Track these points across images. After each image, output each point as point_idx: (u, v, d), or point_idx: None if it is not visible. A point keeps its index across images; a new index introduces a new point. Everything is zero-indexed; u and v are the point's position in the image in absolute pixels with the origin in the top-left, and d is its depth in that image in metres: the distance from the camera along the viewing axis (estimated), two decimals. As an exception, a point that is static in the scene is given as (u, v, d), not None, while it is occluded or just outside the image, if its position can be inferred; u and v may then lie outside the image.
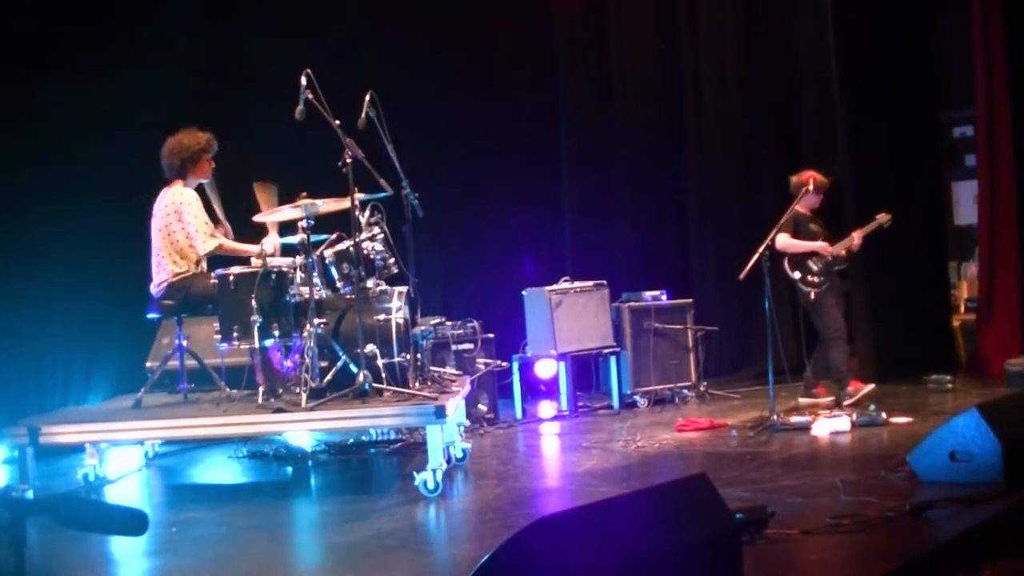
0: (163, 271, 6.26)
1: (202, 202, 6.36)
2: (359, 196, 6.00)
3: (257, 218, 6.23)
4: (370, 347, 5.90)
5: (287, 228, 6.30)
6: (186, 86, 8.07)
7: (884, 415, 6.78)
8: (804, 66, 10.03)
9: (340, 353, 5.97)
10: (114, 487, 6.25)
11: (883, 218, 7.65)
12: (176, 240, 6.24)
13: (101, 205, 7.46)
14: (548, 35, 10.05)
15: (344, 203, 5.96)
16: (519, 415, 8.11)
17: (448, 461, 5.86)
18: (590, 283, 8.33)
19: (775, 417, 6.83)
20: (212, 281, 6.06)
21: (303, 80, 5.81)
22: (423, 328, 6.72)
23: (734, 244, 8.74)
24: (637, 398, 8.32)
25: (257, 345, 5.92)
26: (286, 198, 6.16)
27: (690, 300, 8.71)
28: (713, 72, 9.89)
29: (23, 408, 6.52)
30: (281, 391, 6.03)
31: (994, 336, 8.91)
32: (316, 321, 5.82)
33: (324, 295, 6.10)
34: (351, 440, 7.16)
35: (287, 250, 6.38)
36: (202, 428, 5.78)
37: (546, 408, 8.27)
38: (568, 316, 8.15)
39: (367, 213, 6.13)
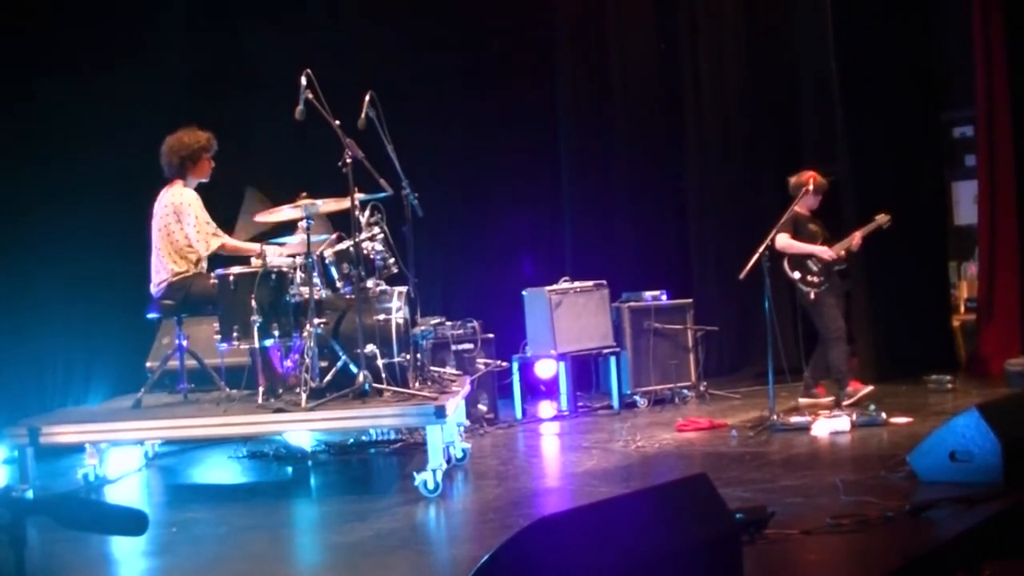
0: (163, 271, 6.26)
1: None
2: (359, 196, 6.00)
3: (258, 218, 6.22)
4: (370, 347, 5.90)
5: (287, 228, 6.30)
6: (186, 86, 8.08)
7: (884, 415, 6.78)
8: (804, 66, 10.04)
9: (340, 353, 5.97)
10: (114, 487, 6.25)
11: (882, 218, 7.65)
12: (176, 240, 6.24)
13: (101, 205, 7.46)
14: (548, 35, 10.04)
15: (344, 203, 5.96)
16: (519, 415, 8.10)
17: (448, 461, 5.86)
18: (590, 283, 8.33)
19: (775, 417, 6.83)
20: (212, 281, 6.06)
21: (303, 80, 5.81)
22: (423, 328, 6.72)
23: (734, 244, 8.75)
24: (637, 398, 8.32)
25: (257, 345, 5.91)
26: (286, 198, 6.15)
27: (690, 300, 8.71)
28: (713, 72, 9.89)
29: (23, 408, 6.52)
30: (281, 391, 6.03)
31: (994, 336, 8.91)
32: (316, 321, 5.82)
33: (324, 295, 6.10)
34: (351, 440, 7.16)
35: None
36: (202, 428, 5.78)
37: (546, 408, 8.27)
38: (568, 316, 8.14)
39: (367, 213, 6.13)
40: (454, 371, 7.13)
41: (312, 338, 5.78)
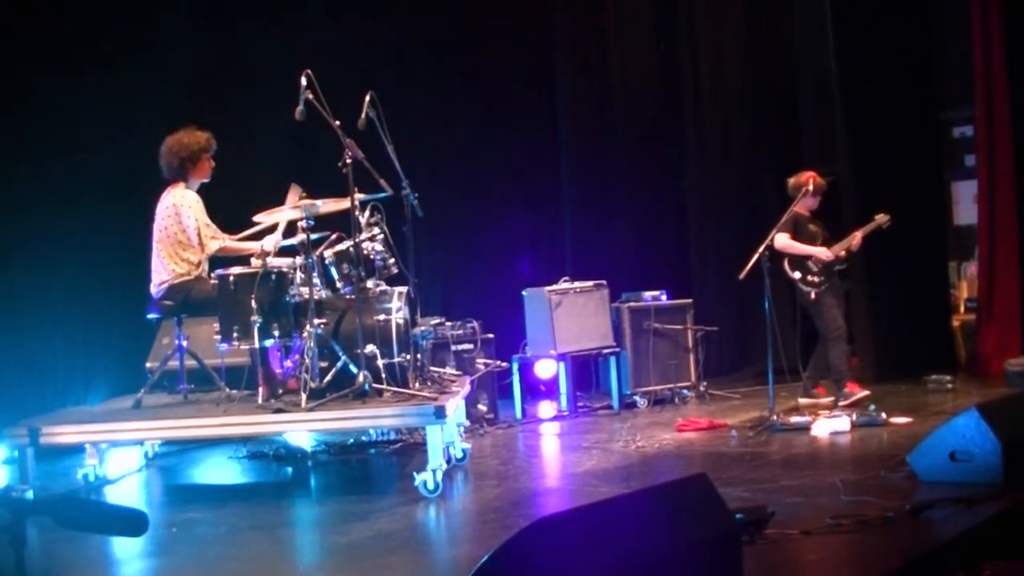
0: (163, 272, 6.26)
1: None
2: (359, 196, 6.00)
3: (258, 218, 6.23)
4: (370, 347, 5.89)
5: (287, 229, 6.29)
6: (186, 86, 8.08)
7: (884, 415, 6.78)
8: (804, 66, 10.04)
9: (340, 353, 5.97)
10: (114, 487, 6.24)
11: (882, 218, 7.65)
12: (176, 242, 6.24)
13: (101, 205, 7.46)
14: (548, 35, 10.04)
15: (344, 203, 5.96)
16: (519, 415, 8.10)
17: (448, 461, 5.86)
18: (590, 283, 8.33)
19: (775, 417, 6.83)
20: (212, 283, 6.06)
21: (303, 80, 5.81)
22: (423, 328, 6.72)
23: (734, 244, 8.74)
24: (637, 398, 8.32)
25: (257, 345, 5.91)
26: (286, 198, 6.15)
27: (690, 300, 8.71)
28: (713, 72, 9.89)
29: (23, 408, 6.51)
30: (281, 391, 6.03)
31: (994, 336, 8.91)
32: (316, 321, 5.82)
33: (324, 295, 6.10)
34: (351, 440, 7.16)
35: (286, 251, 6.37)
36: (202, 428, 5.78)
37: (546, 408, 8.27)
38: (568, 316, 8.14)
39: (367, 213, 6.13)
40: (454, 371, 7.13)
41: (312, 338, 5.78)
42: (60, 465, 6.64)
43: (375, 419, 5.81)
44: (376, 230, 6.15)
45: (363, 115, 6.03)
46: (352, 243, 5.95)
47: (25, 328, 7.24)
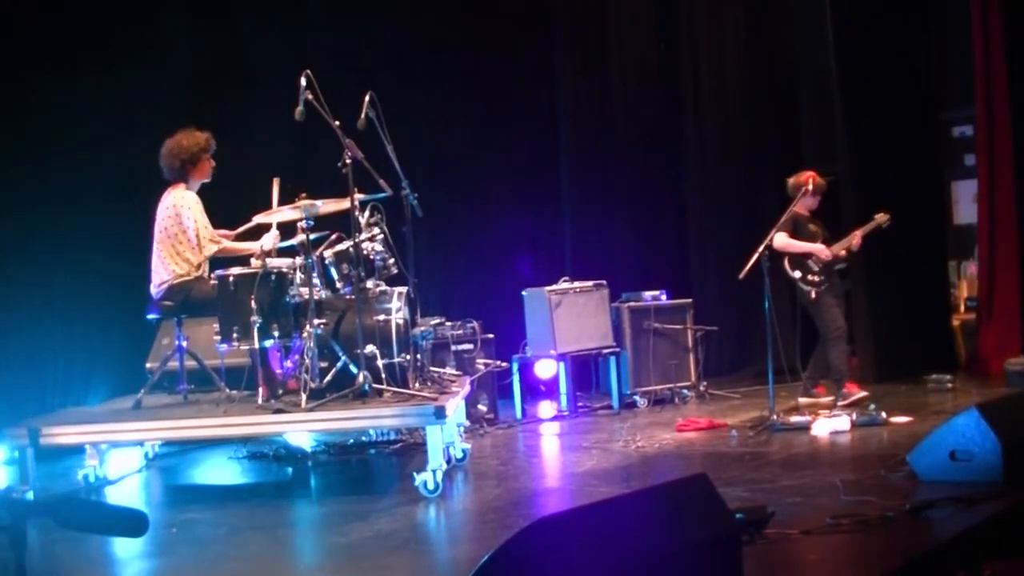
0: (163, 272, 6.25)
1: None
2: (359, 197, 6.00)
3: (257, 218, 6.23)
4: (370, 348, 5.89)
5: (287, 230, 6.30)
6: (186, 86, 8.08)
7: (884, 415, 6.78)
8: (804, 66, 10.04)
9: (340, 354, 5.97)
10: (114, 488, 6.25)
11: (882, 218, 7.65)
12: (176, 243, 6.23)
13: (101, 205, 7.46)
14: (548, 35, 10.04)
15: (344, 204, 5.96)
16: (519, 415, 8.11)
17: (448, 461, 5.86)
18: (590, 283, 8.33)
19: (775, 417, 6.83)
20: (212, 283, 6.06)
21: (303, 81, 5.81)
22: (423, 328, 6.72)
23: (734, 244, 8.74)
24: (637, 398, 8.32)
25: (257, 346, 5.91)
26: (286, 199, 6.16)
27: (690, 300, 8.71)
28: (713, 72, 9.88)
29: (23, 409, 6.52)
30: (281, 392, 6.03)
31: (994, 335, 8.92)
32: (316, 322, 5.82)
33: (324, 296, 6.10)
34: (351, 441, 7.16)
35: (286, 251, 6.37)
36: (202, 429, 5.79)
37: (546, 408, 8.27)
38: (568, 316, 8.14)
39: (367, 214, 6.13)
40: (454, 371, 7.13)
41: (312, 339, 5.78)
42: (60, 466, 6.64)
43: (375, 419, 5.81)
44: (376, 230, 6.15)
45: (363, 115, 6.03)
46: (352, 243, 5.95)
47: (25, 329, 7.24)
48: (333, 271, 6.05)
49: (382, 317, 6.12)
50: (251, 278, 5.93)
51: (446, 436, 5.81)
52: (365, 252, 6.04)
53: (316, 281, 5.96)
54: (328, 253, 6.07)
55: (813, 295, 7.48)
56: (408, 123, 7.57)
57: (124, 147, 7.36)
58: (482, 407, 7.74)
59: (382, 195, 6.17)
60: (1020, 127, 8.80)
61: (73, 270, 7.33)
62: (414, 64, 9.20)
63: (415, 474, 5.43)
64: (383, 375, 5.92)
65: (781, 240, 7.36)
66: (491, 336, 7.87)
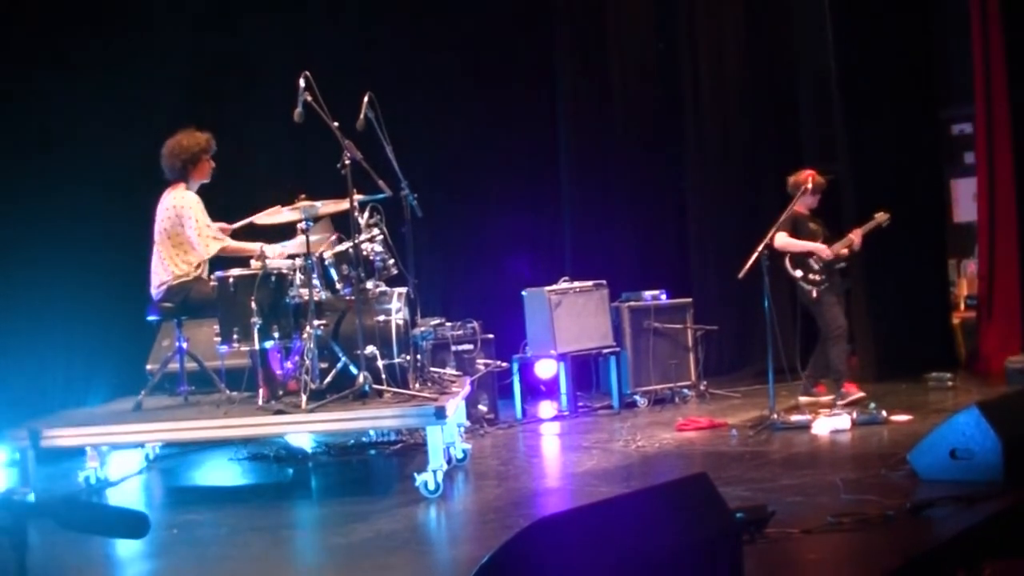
0: (163, 273, 6.25)
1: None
2: (358, 197, 6.01)
3: (257, 219, 6.23)
4: (370, 348, 5.90)
5: (288, 231, 6.30)
6: (186, 86, 8.08)
7: (884, 413, 6.78)
8: (804, 66, 10.04)
9: (340, 355, 5.97)
10: (115, 489, 6.25)
11: (882, 217, 7.66)
12: (177, 243, 6.23)
13: (101, 205, 7.46)
14: (548, 35, 10.04)
15: (343, 205, 5.97)
16: (519, 415, 8.11)
17: (448, 462, 5.86)
18: (590, 283, 8.34)
19: (775, 416, 6.83)
20: (212, 284, 6.06)
21: (301, 82, 5.81)
22: (423, 329, 6.72)
23: (734, 243, 8.73)
24: (637, 398, 8.32)
25: (257, 347, 5.91)
26: (285, 200, 6.15)
27: (690, 300, 8.71)
28: (713, 72, 9.88)
29: (24, 411, 6.52)
30: (281, 393, 6.03)
31: (994, 334, 8.92)
32: (316, 323, 5.82)
33: (324, 297, 6.10)
34: (351, 441, 7.16)
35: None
36: (202, 430, 5.78)
37: (546, 408, 8.27)
38: (568, 316, 8.15)
39: (366, 214, 6.13)
40: (454, 372, 7.13)
41: (312, 340, 5.78)
42: (61, 467, 6.64)
43: (375, 420, 5.81)
44: (375, 231, 6.15)
45: (361, 116, 6.03)
46: (351, 244, 5.96)
47: (25, 330, 7.24)
48: (333, 272, 6.05)
49: (382, 318, 6.12)
50: (251, 279, 5.93)
51: (446, 436, 5.81)
52: (365, 253, 6.04)
53: (316, 282, 5.96)
54: (328, 254, 6.07)
55: (814, 294, 7.48)
56: (407, 123, 7.57)
57: (124, 147, 7.36)
58: (482, 407, 7.74)
59: (381, 196, 6.17)
60: (1020, 125, 8.80)
61: (73, 271, 7.33)
62: (414, 64, 9.20)
63: (415, 474, 5.43)
64: (383, 376, 5.92)
65: (782, 239, 7.37)
66: (491, 336, 7.87)
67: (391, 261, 6.24)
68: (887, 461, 5.42)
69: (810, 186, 7.48)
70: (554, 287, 8.20)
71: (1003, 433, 4.76)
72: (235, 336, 5.94)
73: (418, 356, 6.37)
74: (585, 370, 8.85)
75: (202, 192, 6.43)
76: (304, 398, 5.60)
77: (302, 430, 6.30)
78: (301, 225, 5.94)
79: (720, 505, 3.38)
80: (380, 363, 5.94)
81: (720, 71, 9.87)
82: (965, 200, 10.21)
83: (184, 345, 6.38)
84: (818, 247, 7.50)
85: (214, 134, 6.45)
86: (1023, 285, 8.86)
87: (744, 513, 4.07)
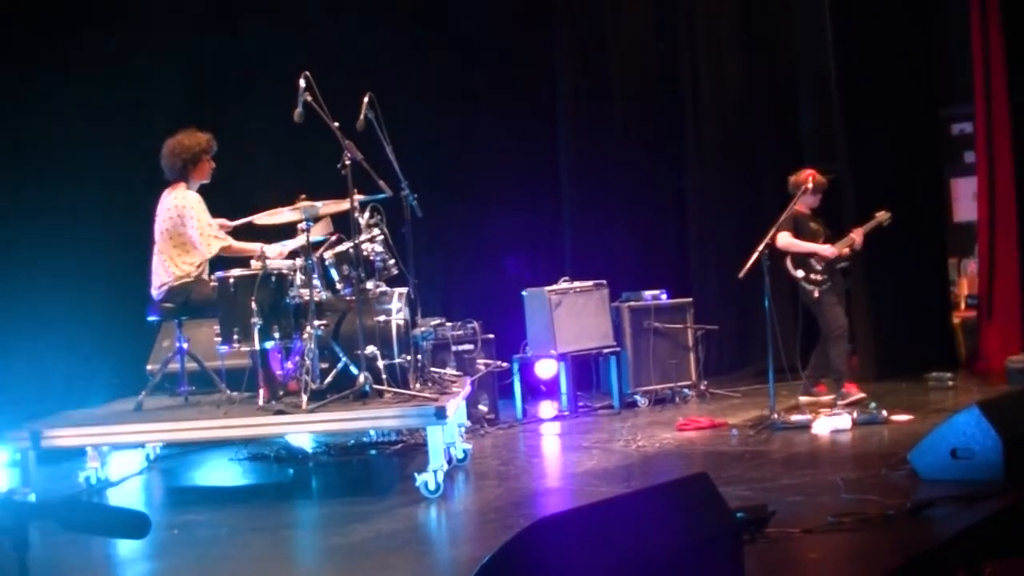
0: (164, 274, 6.25)
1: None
2: (358, 198, 6.01)
3: (257, 219, 6.23)
4: (370, 348, 5.90)
5: (288, 231, 6.30)
6: (186, 86, 8.09)
7: (885, 413, 6.78)
8: (804, 66, 10.03)
9: (340, 355, 5.97)
10: (116, 490, 6.25)
11: (883, 216, 7.66)
12: (178, 243, 6.23)
13: (101, 205, 7.47)
14: (548, 35, 10.04)
15: (343, 205, 5.97)
16: (519, 415, 8.11)
17: (449, 462, 5.86)
18: (590, 283, 8.34)
19: (775, 416, 6.83)
20: (212, 284, 6.06)
21: (302, 83, 5.81)
22: (423, 329, 6.72)
23: (734, 243, 8.73)
24: (637, 398, 8.32)
25: (257, 347, 5.91)
26: (285, 200, 6.15)
27: (690, 299, 8.71)
28: (713, 72, 9.88)
29: (24, 411, 6.52)
30: (282, 393, 6.03)
31: (994, 333, 8.92)
32: (316, 323, 5.82)
33: (324, 297, 6.10)
34: (351, 441, 7.16)
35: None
36: (203, 431, 5.78)
37: (546, 408, 8.27)
38: (568, 316, 8.15)
39: (366, 215, 6.14)
40: (454, 372, 7.13)
41: (312, 340, 5.78)
42: (62, 468, 6.64)
43: (376, 420, 5.82)
44: (376, 231, 6.15)
45: (362, 117, 6.03)
46: (352, 244, 5.96)
47: (25, 330, 7.24)
48: (333, 272, 6.05)
49: (382, 318, 6.12)
50: (251, 279, 5.93)
51: (447, 436, 5.81)
52: (365, 253, 6.04)
53: (316, 282, 5.96)
54: (328, 254, 6.07)
55: (816, 294, 7.48)
56: (408, 123, 7.56)
57: (124, 147, 7.36)
58: (483, 407, 7.74)
59: (382, 196, 6.17)
60: (1020, 124, 8.80)
61: (73, 271, 7.33)
62: (414, 64, 9.20)
63: (416, 475, 5.43)
64: (384, 376, 5.92)
65: (784, 239, 7.37)
66: (491, 336, 7.87)
67: (391, 261, 6.24)
68: (887, 461, 5.42)
69: (811, 185, 7.48)
70: (554, 287, 8.21)
71: (1004, 432, 4.76)
72: (235, 336, 5.94)
73: (418, 356, 6.38)
74: (585, 370, 8.85)
75: (202, 192, 6.43)
76: (304, 398, 5.60)
77: (302, 430, 6.30)
78: (301, 225, 5.94)
79: (720, 505, 3.38)
80: (380, 363, 5.95)
81: (720, 71, 9.87)
82: (965, 199, 10.21)
83: (184, 345, 6.38)
84: (821, 248, 7.49)
85: (214, 134, 6.45)
86: (1023, 284, 8.86)
87: (744, 513, 4.07)
